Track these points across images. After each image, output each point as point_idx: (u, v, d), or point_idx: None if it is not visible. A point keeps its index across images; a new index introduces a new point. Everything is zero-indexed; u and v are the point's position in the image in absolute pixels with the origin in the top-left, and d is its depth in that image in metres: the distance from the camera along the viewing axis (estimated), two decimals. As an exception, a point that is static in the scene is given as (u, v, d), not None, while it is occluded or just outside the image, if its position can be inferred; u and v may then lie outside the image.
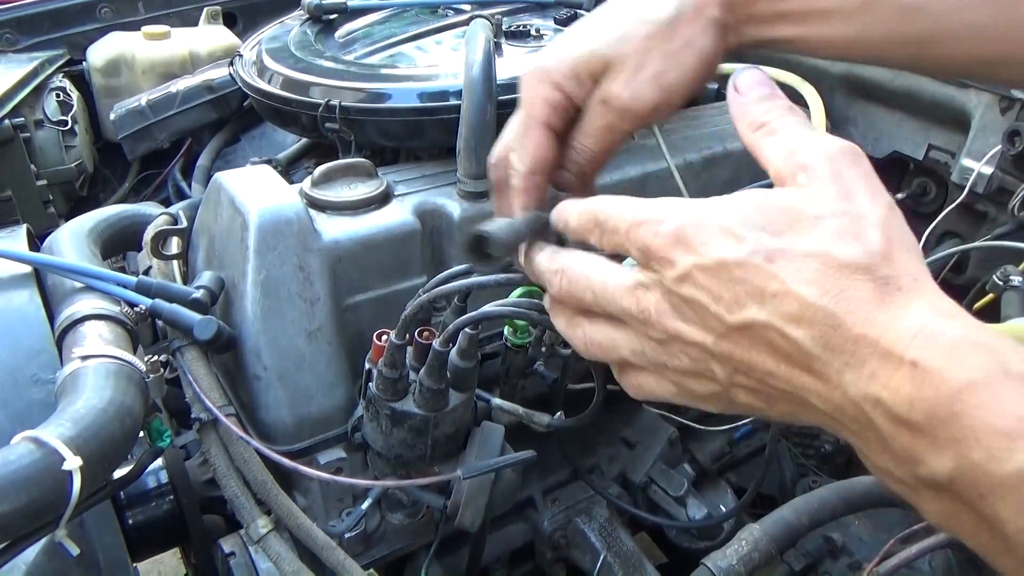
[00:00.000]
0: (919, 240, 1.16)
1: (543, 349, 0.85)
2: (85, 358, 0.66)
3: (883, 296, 0.36)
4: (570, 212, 0.48)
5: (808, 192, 0.39)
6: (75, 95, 1.53)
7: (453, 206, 0.94)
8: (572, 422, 0.87)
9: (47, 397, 0.68)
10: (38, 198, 1.42)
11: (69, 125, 1.46)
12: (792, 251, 0.37)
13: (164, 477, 0.99)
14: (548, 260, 0.49)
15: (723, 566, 0.69)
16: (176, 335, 0.79)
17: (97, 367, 0.65)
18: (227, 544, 0.94)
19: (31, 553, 0.62)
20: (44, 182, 1.43)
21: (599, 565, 1.19)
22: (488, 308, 0.73)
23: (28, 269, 0.76)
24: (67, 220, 0.97)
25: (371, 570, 0.79)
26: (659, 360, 0.44)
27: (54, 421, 0.59)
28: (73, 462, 0.56)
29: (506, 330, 0.85)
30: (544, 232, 0.52)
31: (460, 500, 0.81)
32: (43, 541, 0.62)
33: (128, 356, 0.69)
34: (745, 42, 0.54)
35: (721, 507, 1.30)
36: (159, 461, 0.98)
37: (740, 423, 1.31)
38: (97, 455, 0.58)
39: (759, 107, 0.45)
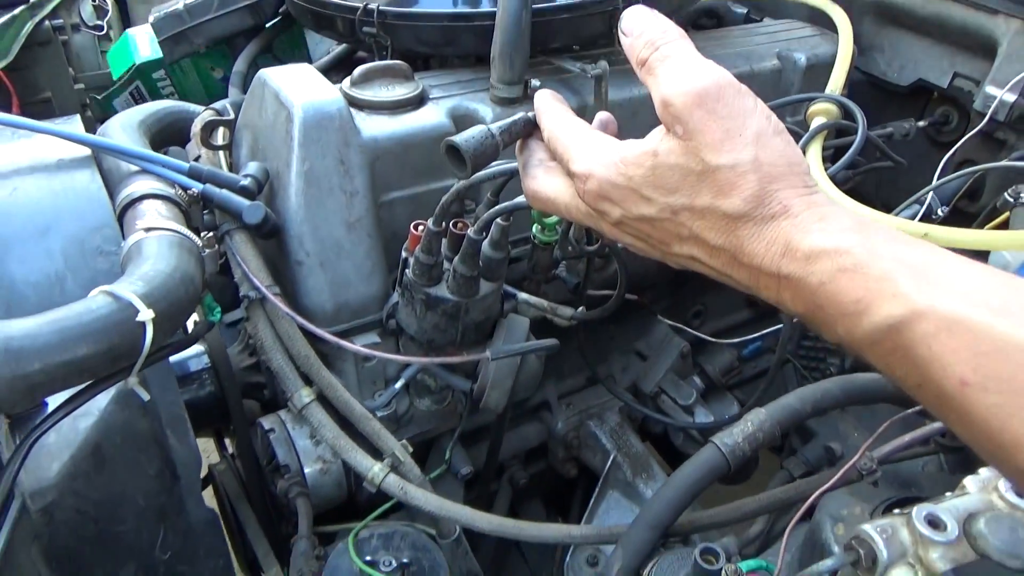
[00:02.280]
0: (938, 166, 1.19)
1: (569, 248, 0.90)
2: (148, 230, 0.71)
3: (761, 230, 0.45)
4: (541, 125, 0.57)
5: (689, 146, 0.46)
6: (110, 1, 1.55)
7: (486, 111, 0.98)
8: (594, 314, 0.93)
9: (111, 267, 0.74)
10: (76, 101, 1.46)
11: (105, 30, 1.49)
12: (691, 206, 0.47)
13: (206, 361, 1.06)
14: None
15: (728, 443, 0.75)
16: (225, 219, 0.84)
17: (160, 238, 0.71)
18: (267, 422, 1.01)
19: (103, 401, 0.69)
20: (81, 86, 1.47)
21: (609, 463, 1.27)
22: (521, 199, 0.78)
23: (87, 152, 0.81)
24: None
25: (404, 440, 0.86)
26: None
27: (126, 280, 0.64)
28: (146, 314, 0.61)
29: (534, 228, 0.90)
30: (530, 128, 0.58)
31: (487, 382, 0.87)
32: (115, 390, 0.69)
33: (186, 231, 0.74)
34: None
35: (727, 417, 1.37)
36: (200, 346, 1.05)
37: (750, 337, 1.36)
38: (165, 312, 0.64)
39: (640, 45, 0.49)
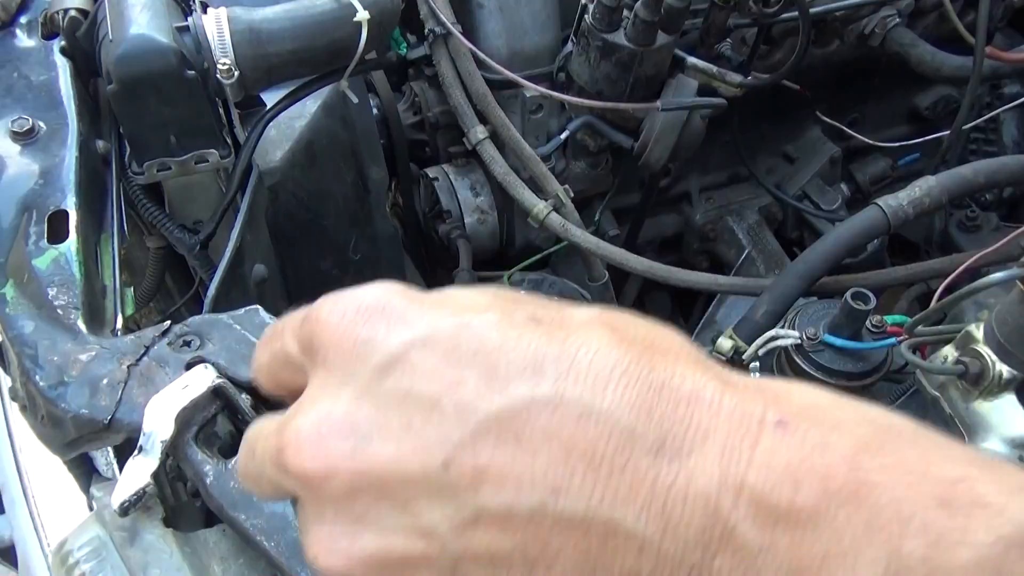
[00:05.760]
0: None
1: (750, 7, 0.88)
2: (356, -55, 0.75)
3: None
4: None
5: None
6: None
7: None
8: (766, 80, 0.92)
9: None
10: None
11: None
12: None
13: (376, 115, 1.13)
14: None
15: (892, 204, 0.76)
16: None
17: (367, -48, 0.74)
18: (432, 172, 1.09)
19: (312, 107, 0.76)
20: None
21: (743, 257, 1.30)
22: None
23: None
24: None
25: (566, 185, 0.91)
26: None
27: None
28: (363, 15, 0.66)
29: (715, -19, 0.88)
30: None
31: (651, 136, 0.89)
32: (323, 98, 0.76)
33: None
34: None
35: (870, 226, 1.35)
36: (372, 100, 1.11)
37: (908, 143, 1.31)
38: (375, 19, 0.69)
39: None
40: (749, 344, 0.78)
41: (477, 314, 0.26)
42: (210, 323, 0.49)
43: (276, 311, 0.74)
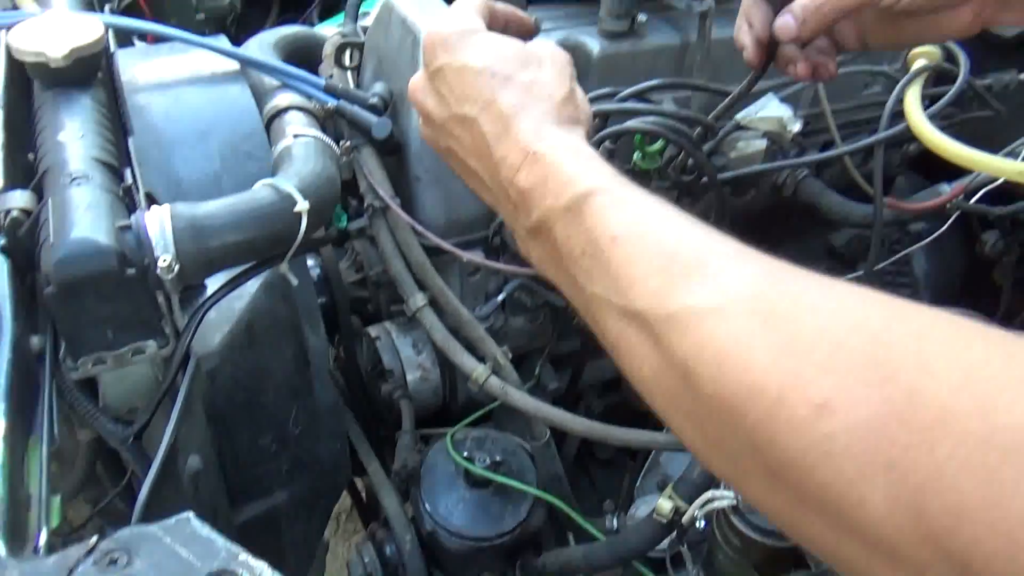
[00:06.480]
0: None
1: (671, 175, 0.95)
2: (297, 136, 0.79)
3: (547, 127, 0.55)
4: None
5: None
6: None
7: (593, 44, 1.02)
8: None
9: (259, 170, 0.82)
10: (196, 30, 1.56)
11: (226, -36, 1.58)
12: (514, 79, 0.58)
13: (318, 273, 1.16)
14: None
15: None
16: (354, 134, 0.92)
17: (307, 143, 0.79)
18: (374, 331, 1.11)
19: (253, 287, 0.78)
20: (202, 16, 1.56)
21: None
22: (631, 123, 0.84)
23: (237, 66, 0.89)
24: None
25: (504, 347, 0.94)
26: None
27: (283, 176, 0.73)
28: (303, 205, 0.70)
29: (636, 155, 0.95)
30: None
31: (584, 298, 0.93)
32: (263, 278, 0.78)
33: (327, 138, 0.82)
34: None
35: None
36: (311, 260, 1.14)
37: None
38: (315, 206, 0.72)
39: None
40: (689, 503, 0.79)
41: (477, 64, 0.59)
42: (139, 537, 0.48)
43: (212, 505, 0.73)
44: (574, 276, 0.50)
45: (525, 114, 0.56)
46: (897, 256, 1.39)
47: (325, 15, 1.67)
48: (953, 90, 0.96)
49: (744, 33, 0.70)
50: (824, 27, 0.65)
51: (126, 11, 1.28)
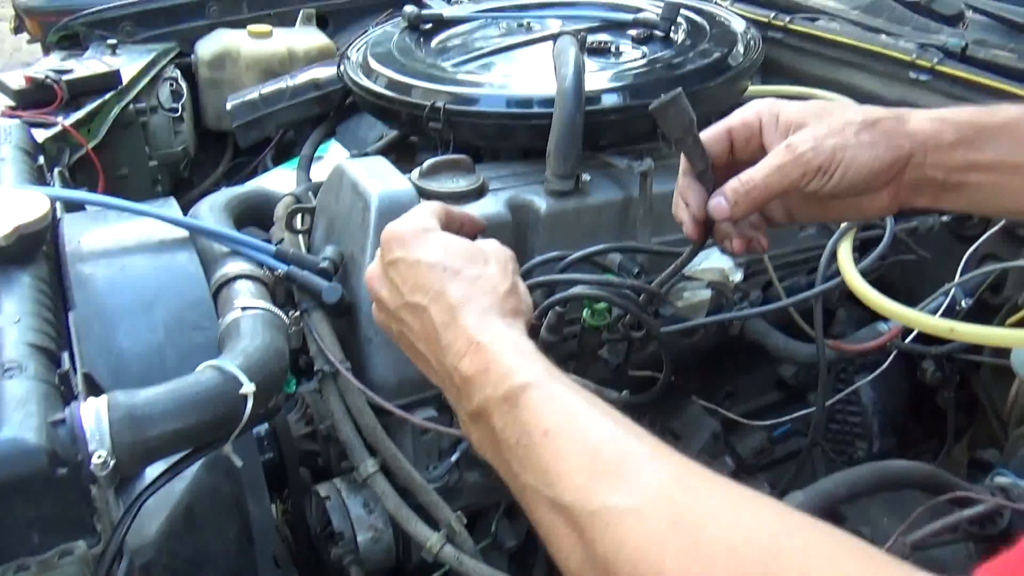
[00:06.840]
0: (961, 260, 1.26)
1: (620, 329, 0.96)
2: (244, 308, 0.79)
3: (490, 319, 0.57)
4: None
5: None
6: (183, 85, 1.68)
7: (540, 202, 1.06)
8: (640, 398, 0.99)
9: (206, 341, 0.81)
10: (149, 177, 1.57)
11: (179, 112, 1.61)
12: (462, 273, 0.60)
13: (265, 428, 1.12)
14: None
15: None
16: (304, 298, 0.91)
17: (255, 316, 0.78)
18: (323, 490, 1.06)
19: (195, 467, 0.75)
20: (155, 163, 1.58)
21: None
22: (578, 289, 0.85)
23: (185, 234, 0.90)
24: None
25: (459, 512, 0.91)
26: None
27: (228, 355, 0.71)
28: (248, 388, 0.68)
29: (585, 312, 0.96)
30: None
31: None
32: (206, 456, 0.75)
33: (276, 310, 0.82)
34: (926, 179, 0.65)
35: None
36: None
37: (780, 420, 1.40)
38: (262, 385, 0.70)
39: None
40: None
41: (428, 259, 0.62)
42: None
43: None
44: (509, 463, 0.53)
45: (471, 305, 0.59)
46: (845, 392, 1.42)
47: (280, 158, 1.71)
48: (880, 246, 1.01)
49: (682, 210, 0.73)
50: (754, 209, 0.68)
51: (77, 164, 1.28)
